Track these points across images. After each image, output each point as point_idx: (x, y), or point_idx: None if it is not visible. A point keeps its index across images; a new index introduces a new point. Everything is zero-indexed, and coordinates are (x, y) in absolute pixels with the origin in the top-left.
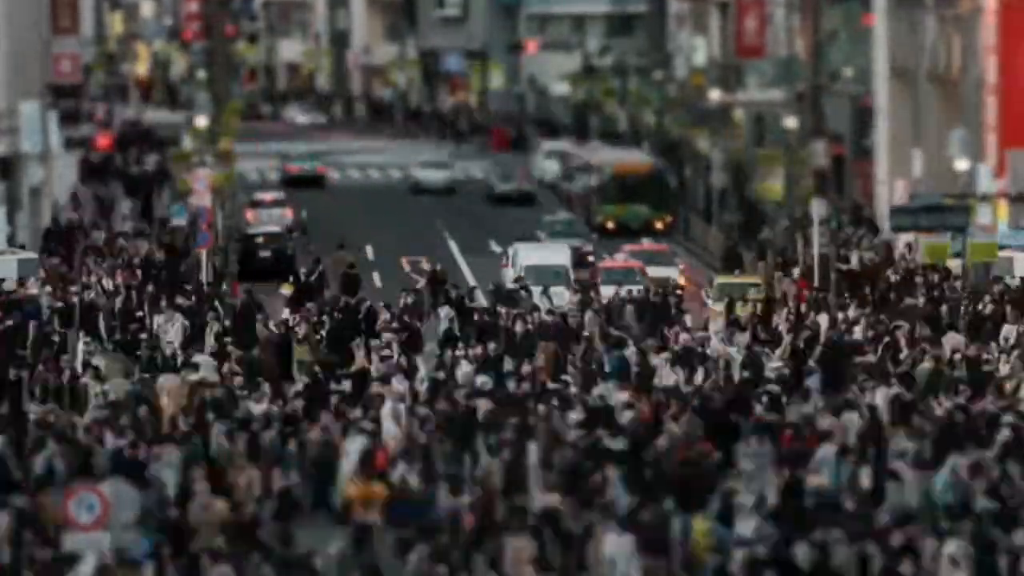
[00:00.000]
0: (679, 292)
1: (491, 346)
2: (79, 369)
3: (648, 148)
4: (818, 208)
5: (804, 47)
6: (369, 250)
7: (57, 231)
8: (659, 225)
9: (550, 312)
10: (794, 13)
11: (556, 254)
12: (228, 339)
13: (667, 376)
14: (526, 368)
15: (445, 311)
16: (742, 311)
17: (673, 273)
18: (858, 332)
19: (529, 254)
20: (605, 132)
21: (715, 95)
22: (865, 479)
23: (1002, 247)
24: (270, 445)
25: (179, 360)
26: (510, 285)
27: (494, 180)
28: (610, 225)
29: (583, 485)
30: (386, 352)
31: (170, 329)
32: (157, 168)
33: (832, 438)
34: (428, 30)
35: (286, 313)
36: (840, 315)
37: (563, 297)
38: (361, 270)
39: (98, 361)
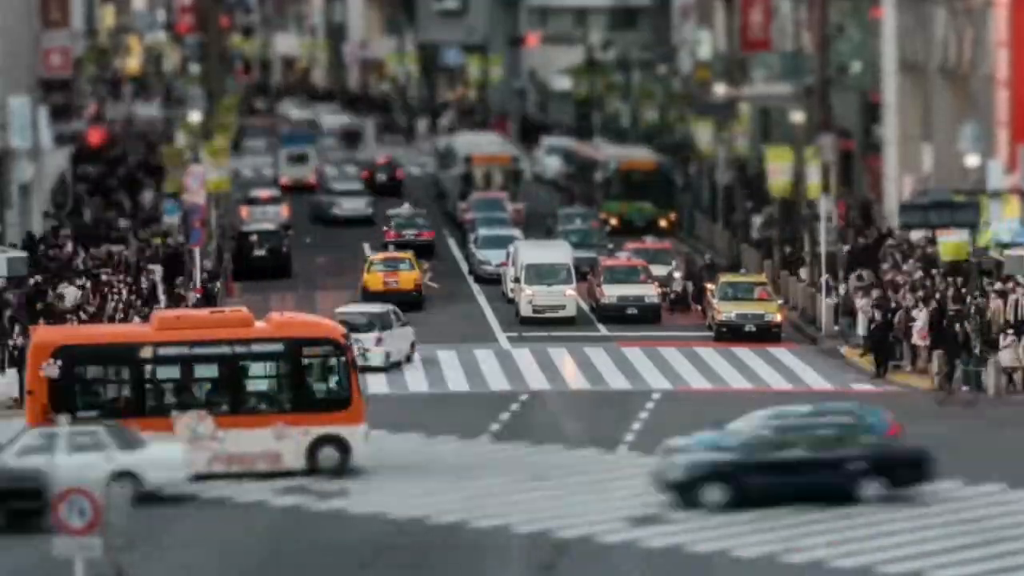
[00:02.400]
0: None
1: None
2: None
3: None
4: (825, 205)
5: (811, 40)
6: (367, 248)
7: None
8: (663, 223)
9: None
10: (801, 6)
11: (557, 252)
12: None
13: None
14: None
15: None
16: None
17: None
18: None
19: (529, 252)
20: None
21: (720, 89)
22: None
23: (1014, 244)
24: None
25: None
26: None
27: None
28: (614, 222)
29: None
30: None
31: None
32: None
33: None
34: (427, 23)
35: None
36: None
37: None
38: (358, 268)
39: None
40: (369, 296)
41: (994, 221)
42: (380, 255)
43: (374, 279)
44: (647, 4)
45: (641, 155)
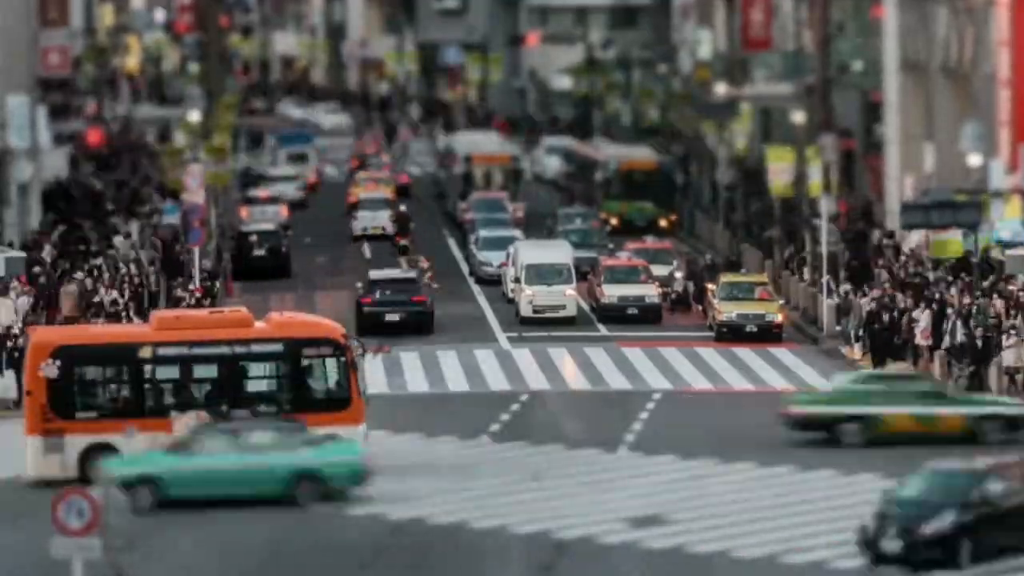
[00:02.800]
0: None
1: None
2: None
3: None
4: (826, 205)
5: (812, 39)
6: (366, 248)
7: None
8: (664, 223)
9: None
10: (802, 5)
11: (557, 252)
12: None
13: None
14: None
15: None
16: None
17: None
18: None
19: (529, 252)
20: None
21: (721, 89)
22: None
23: (1016, 244)
24: None
25: None
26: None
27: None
28: (614, 222)
29: None
30: None
31: None
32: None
33: None
34: (427, 22)
35: None
36: None
37: None
38: (357, 267)
39: None
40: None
41: (996, 221)
42: (363, 174)
43: (360, 189)
44: (647, 3)
45: (641, 155)
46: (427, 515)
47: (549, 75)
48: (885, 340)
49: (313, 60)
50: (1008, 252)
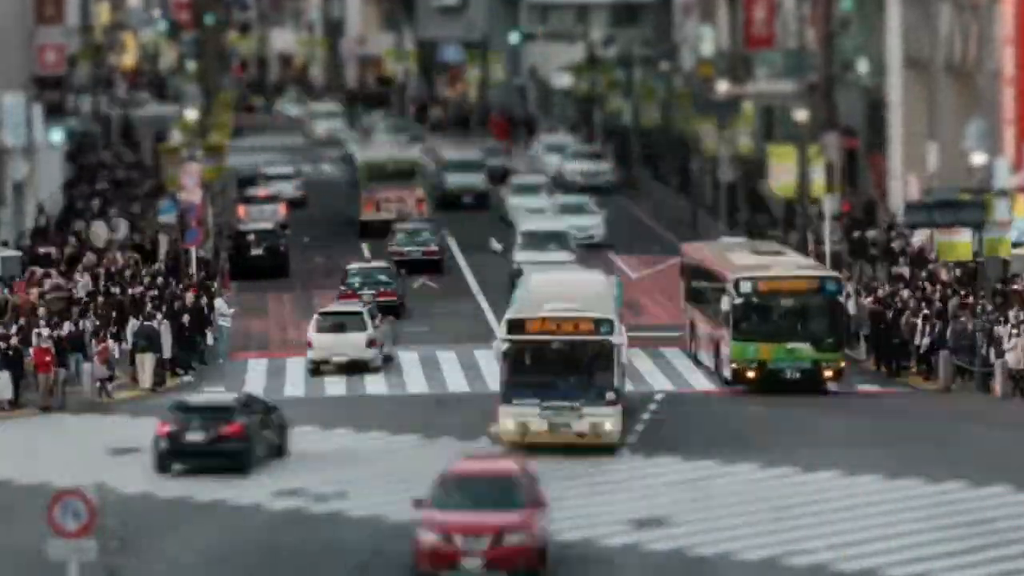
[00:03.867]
0: None
1: None
2: None
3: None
4: (830, 204)
5: (815, 37)
6: (365, 248)
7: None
8: (829, 373)
9: None
10: (804, 2)
11: None
12: None
13: None
14: None
15: None
16: None
17: None
18: None
19: None
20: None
21: (723, 87)
22: None
23: (1018, 244)
24: None
25: None
26: None
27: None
28: (751, 375)
29: None
30: None
31: None
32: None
33: None
34: (426, 20)
35: None
36: None
37: None
38: None
39: None
40: None
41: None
42: None
43: None
44: (649, 0)
45: (790, 264)
46: None
47: (549, 73)
48: (887, 340)
49: (311, 57)
50: (1015, 251)
